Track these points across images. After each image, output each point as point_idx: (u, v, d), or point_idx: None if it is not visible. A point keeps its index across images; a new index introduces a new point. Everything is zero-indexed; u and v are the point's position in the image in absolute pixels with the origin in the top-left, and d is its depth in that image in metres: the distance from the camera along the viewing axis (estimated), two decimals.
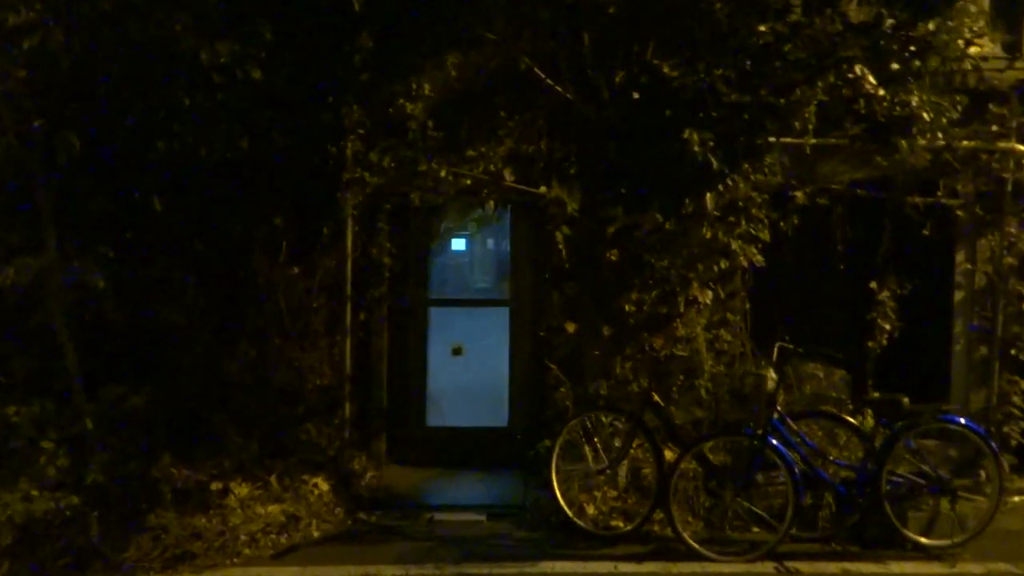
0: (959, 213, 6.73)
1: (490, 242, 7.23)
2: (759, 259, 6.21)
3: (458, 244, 7.23)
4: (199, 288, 6.45)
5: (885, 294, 6.76)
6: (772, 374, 5.14)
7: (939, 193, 6.69)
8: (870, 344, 6.76)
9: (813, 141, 5.97)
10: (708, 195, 5.26)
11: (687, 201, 5.37)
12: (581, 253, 6.24)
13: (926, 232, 6.62)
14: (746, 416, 5.39)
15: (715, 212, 5.42)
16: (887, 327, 6.76)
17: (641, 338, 5.85)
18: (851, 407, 5.93)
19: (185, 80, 4.64)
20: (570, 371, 6.47)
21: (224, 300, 6.53)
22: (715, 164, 4.79)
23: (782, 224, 6.42)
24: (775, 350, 5.28)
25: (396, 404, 6.87)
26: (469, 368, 7.04)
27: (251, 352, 6.52)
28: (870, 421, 5.90)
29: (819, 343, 5.94)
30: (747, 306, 6.50)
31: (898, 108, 4.87)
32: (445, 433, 7.03)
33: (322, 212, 6.38)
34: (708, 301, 5.84)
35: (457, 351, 7.04)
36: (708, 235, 5.62)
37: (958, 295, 7.01)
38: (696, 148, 4.77)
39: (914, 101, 4.87)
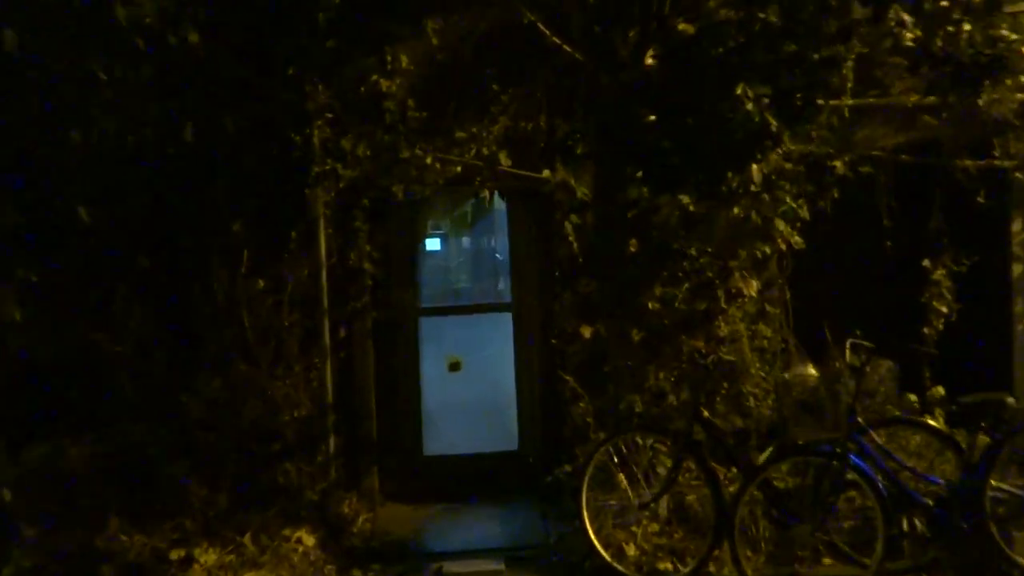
0: (1018, 175, 5.90)
1: (486, 239, 6.29)
2: (798, 241, 5.32)
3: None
4: (147, 311, 5.45)
5: (940, 272, 5.93)
6: (849, 378, 4.27)
7: (995, 153, 5.85)
8: (925, 331, 5.93)
9: (851, 102, 5.11)
10: (754, 167, 4.36)
11: (729, 175, 4.46)
12: (597, 244, 5.33)
13: (980, 200, 5.78)
14: (812, 428, 4.54)
15: (757, 187, 4.52)
16: (944, 310, 5.93)
17: (678, 341, 4.94)
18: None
19: (101, 48, 3.63)
20: (588, 382, 5.58)
21: (179, 324, 5.53)
22: (774, 125, 3.90)
23: (819, 200, 5.55)
24: (846, 348, 4.40)
25: (388, 432, 5.91)
26: (470, 385, 6.11)
27: (214, 383, 5.52)
28: (941, 422, 5.10)
29: (865, 332, 5.09)
30: (787, 295, 5.63)
31: (986, 48, 4.01)
32: (446, 462, 6.08)
33: (289, 213, 5.40)
34: (753, 292, 4.95)
35: (454, 366, 6.10)
36: (752, 216, 4.71)
37: (1016, 269, 6.21)
38: (750, 106, 3.88)
39: (1011, 36, 4.01)
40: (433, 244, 6.06)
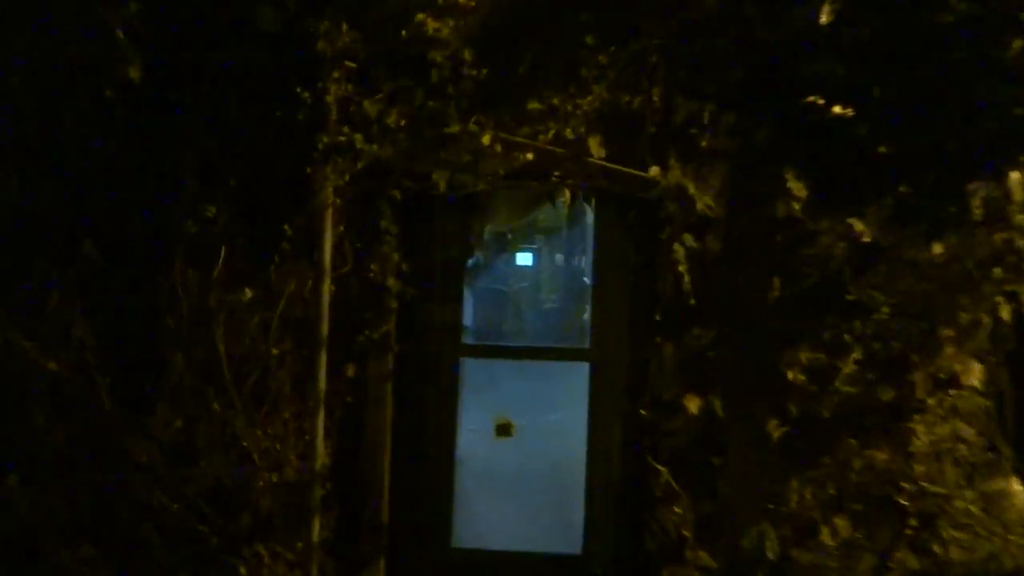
0: None
1: (561, 259, 4.63)
2: None
3: (509, 260, 4.61)
4: (93, 319, 4.02)
5: None
6: None
7: None
8: None
9: None
10: (1015, 175, 2.57)
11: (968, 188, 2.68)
12: (722, 280, 3.60)
13: None
14: None
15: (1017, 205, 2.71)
16: None
17: (843, 446, 3.14)
18: None
19: None
20: (690, 477, 3.88)
21: (136, 338, 4.08)
22: None
23: None
24: None
25: (405, 513, 4.27)
26: (523, 458, 4.45)
27: (176, 423, 4.05)
28: None
29: None
30: (1005, 380, 3.74)
31: None
32: (483, 559, 4.39)
33: (284, 199, 3.86)
34: (976, 382, 3.12)
35: (504, 429, 4.41)
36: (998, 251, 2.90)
37: None
38: None
39: None
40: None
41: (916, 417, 3.20)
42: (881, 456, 3.14)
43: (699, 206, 3.70)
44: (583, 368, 4.27)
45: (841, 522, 3.14)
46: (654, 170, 3.74)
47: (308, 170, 3.75)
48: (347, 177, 3.78)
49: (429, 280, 4.22)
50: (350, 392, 4.11)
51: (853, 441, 3.20)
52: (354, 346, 4.09)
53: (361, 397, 4.14)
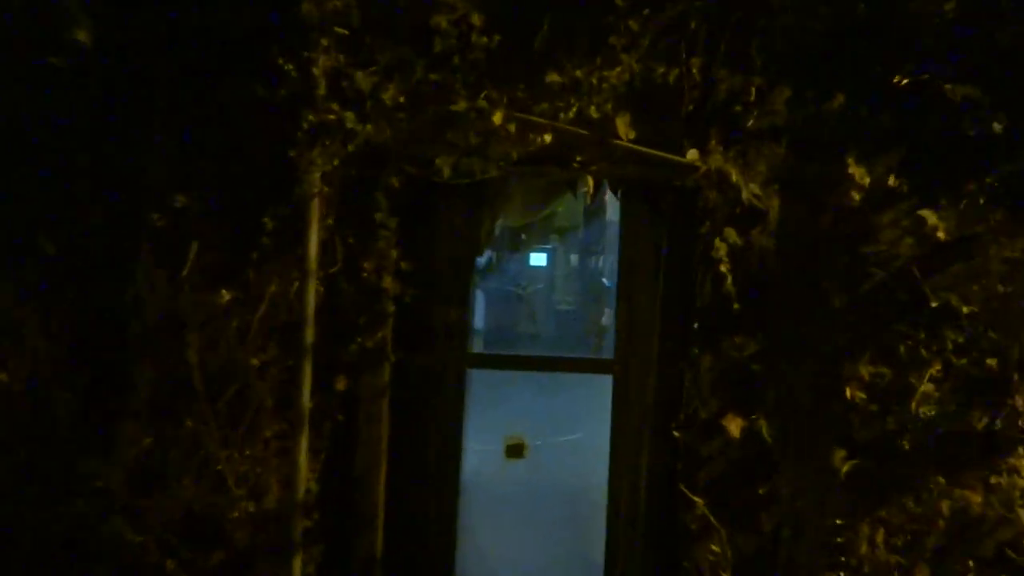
0: None
1: (583, 257, 4.14)
2: None
3: (523, 259, 4.08)
4: (49, 324, 3.53)
5: None
6: None
7: None
8: None
9: None
10: None
11: None
12: (775, 280, 3.08)
13: None
14: None
15: None
16: None
17: (929, 483, 2.61)
18: None
19: None
20: (730, 508, 3.36)
21: (97, 346, 3.58)
22: None
23: None
24: None
25: (401, 544, 3.76)
26: (537, 482, 3.90)
27: (142, 443, 3.55)
28: None
29: None
30: None
31: None
32: None
33: (265, 187, 3.35)
34: None
35: (515, 450, 3.90)
36: None
37: None
38: None
39: None
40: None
41: (1020, 451, 2.67)
42: (975, 498, 2.62)
43: (744, 195, 3.18)
44: (606, 381, 3.76)
45: (924, 575, 2.61)
46: (692, 154, 3.23)
47: (292, 153, 3.24)
48: (336, 162, 3.28)
49: (431, 281, 3.71)
50: (340, 408, 3.60)
51: (941, 479, 2.68)
52: (345, 356, 3.58)
53: (353, 414, 3.63)
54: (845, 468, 2.73)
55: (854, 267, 3.13)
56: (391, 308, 3.62)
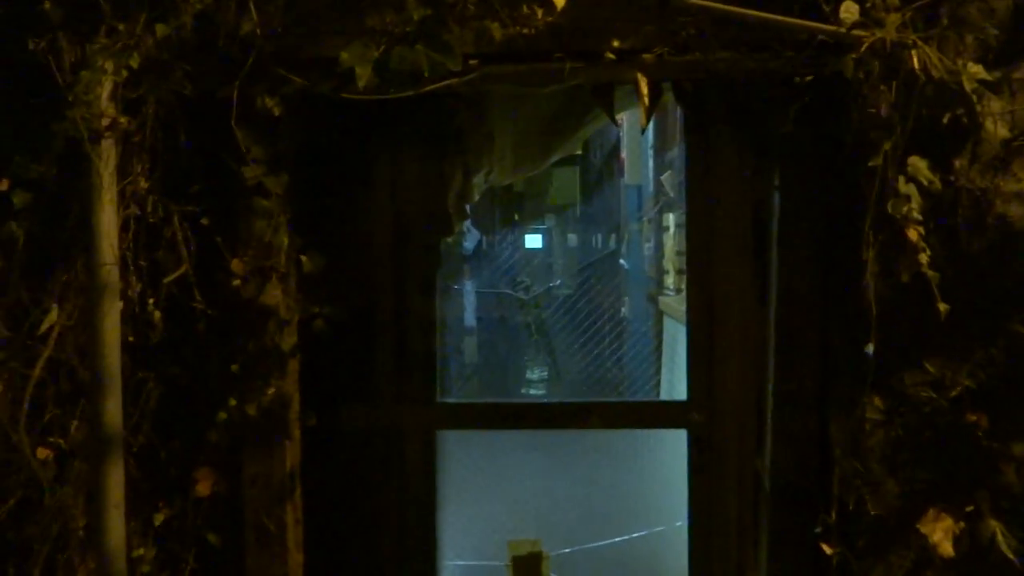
0: None
1: (620, 235, 2.47)
2: None
3: (518, 237, 2.73)
4: None
5: None
6: None
7: None
8: None
9: None
10: None
11: None
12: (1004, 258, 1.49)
13: None
14: None
15: None
16: None
17: None
18: None
19: None
20: None
21: None
22: None
23: None
24: None
25: None
26: None
27: None
28: None
29: None
30: None
31: None
32: None
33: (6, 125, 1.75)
34: None
35: (526, 565, 2.27)
36: None
37: None
38: None
39: None
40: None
41: None
42: None
43: (962, 85, 1.58)
44: (679, 440, 2.14)
45: None
46: (849, 9, 1.62)
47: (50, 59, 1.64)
48: (139, 61, 1.66)
49: (362, 287, 2.12)
50: (208, 524, 2.00)
51: None
52: (212, 429, 1.97)
53: (233, 532, 2.03)
54: None
55: None
56: (292, 340, 2.02)
